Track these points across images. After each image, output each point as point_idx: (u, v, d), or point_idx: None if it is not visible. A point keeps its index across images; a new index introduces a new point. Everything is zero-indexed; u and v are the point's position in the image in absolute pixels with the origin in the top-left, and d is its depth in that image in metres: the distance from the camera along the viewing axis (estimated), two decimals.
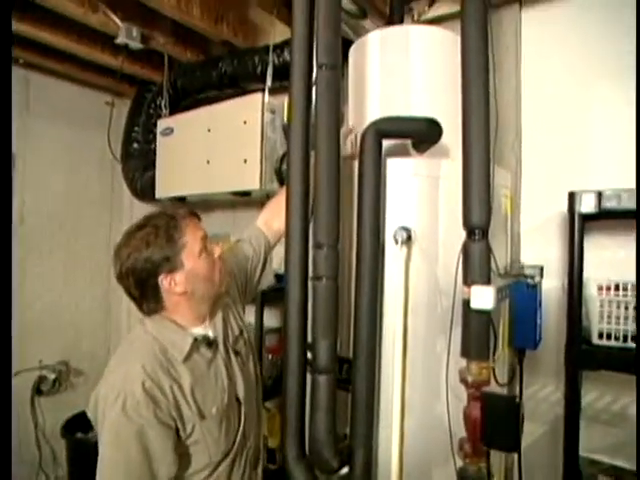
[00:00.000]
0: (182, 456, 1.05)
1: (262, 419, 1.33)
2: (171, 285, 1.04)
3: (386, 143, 1.19)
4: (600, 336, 1.35)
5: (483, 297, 0.91)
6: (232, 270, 1.32)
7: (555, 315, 1.61)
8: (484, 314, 0.95)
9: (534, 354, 1.67)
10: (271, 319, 2.22)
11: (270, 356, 2.10)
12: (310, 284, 1.12)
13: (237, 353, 1.22)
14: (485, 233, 0.98)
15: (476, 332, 0.97)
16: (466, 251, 0.98)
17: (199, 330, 1.14)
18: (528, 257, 1.72)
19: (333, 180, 1.11)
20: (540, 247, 1.71)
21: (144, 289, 1.05)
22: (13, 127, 2.60)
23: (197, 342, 1.10)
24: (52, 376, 2.75)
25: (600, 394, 1.60)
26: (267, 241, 1.44)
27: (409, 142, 1.28)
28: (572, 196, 1.33)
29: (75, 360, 2.91)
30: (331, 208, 1.11)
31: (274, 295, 1.96)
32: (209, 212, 2.65)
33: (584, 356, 1.31)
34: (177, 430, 1.03)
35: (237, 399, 1.18)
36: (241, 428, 1.18)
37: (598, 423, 1.57)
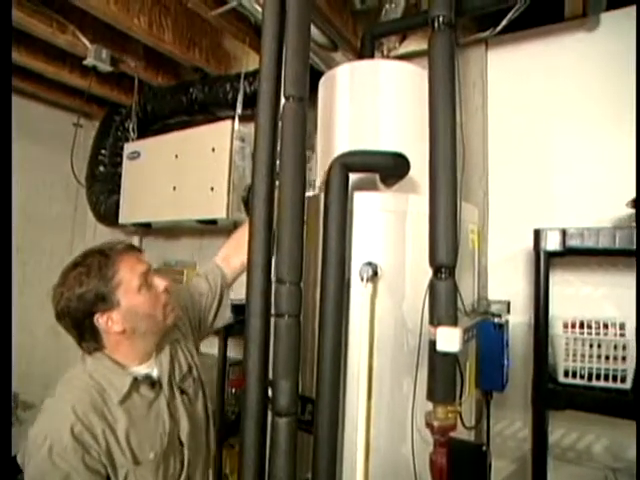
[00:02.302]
0: None
1: (211, 462, 1.25)
2: (108, 324, 1.00)
3: (354, 176, 1.18)
4: (566, 374, 1.34)
5: (449, 339, 0.88)
6: (185, 304, 1.27)
7: (522, 351, 1.60)
8: (450, 356, 0.92)
9: (501, 392, 1.66)
10: (235, 351, 2.15)
11: (234, 390, 2.01)
12: (272, 321, 1.08)
13: (183, 392, 1.15)
14: (452, 271, 0.96)
15: (442, 374, 0.94)
16: (432, 290, 0.96)
17: (141, 369, 1.08)
18: (495, 292, 1.72)
19: (297, 214, 1.08)
20: (507, 282, 1.72)
21: (81, 329, 1.01)
22: None
23: (137, 382, 1.05)
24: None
25: (566, 431, 1.59)
26: (225, 278, 1.40)
27: (377, 176, 1.27)
28: (537, 233, 1.34)
29: (25, 392, 2.73)
30: (295, 243, 1.07)
31: (238, 327, 1.89)
32: (175, 239, 2.59)
33: (550, 395, 1.29)
34: (108, 477, 0.97)
35: (180, 441, 1.11)
36: (184, 473, 1.10)
37: (565, 462, 1.55)
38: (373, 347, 1.11)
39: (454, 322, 0.93)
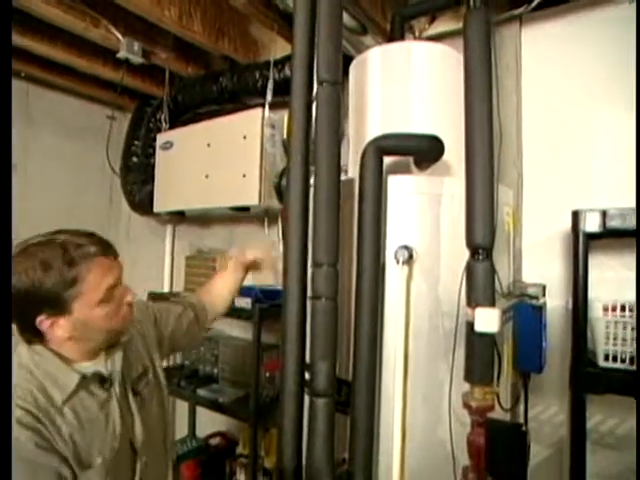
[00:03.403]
0: None
1: (168, 473, 1.17)
2: (53, 328, 0.90)
3: (387, 160, 1.17)
4: (606, 358, 1.32)
5: (488, 320, 0.88)
6: (155, 316, 1.25)
7: (558, 335, 1.58)
8: (488, 337, 0.92)
9: (538, 375, 1.64)
10: (269, 336, 2.18)
11: (267, 373, 2.05)
12: (309, 303, 1.09)
13: (137, 393, 1.07)
14: (489, 253, 0.95)
15: (480, 355, 0.94)
16: (469, 271, 0.96)
17: (90, 366, 0.97)
18: (530, 275, 1.70)
19: (333, 197, 1.09)
20: (542, 265, 1.69)
21: (20, 321, 0.91)
22: (13, 139, 2.61)
23: (85, 380, 0.95)
24: None
25: (605, 417, 1.56)
26: (203, 310, 1.40)
27: (411, 159, 1.26)
28: (576, 215, 1.31)
29: None
30: (331, 226, 1.08)
31: (272, 312, 1.93)
32: (208, 227, 2.64)
33: (590, 379, 1.27)
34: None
35: (133, 449, 1.03)
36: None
37: (603, 447, 1.52)
38: (409, 330, 1.11)
39: (492, 303, 0.93)
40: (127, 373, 1.06)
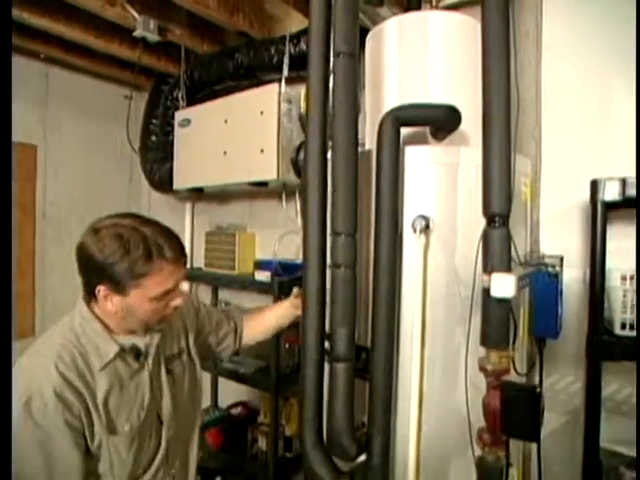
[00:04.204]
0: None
1: (192, 447, 1.22)
2: (106, 300, 0.97)
3: (404, 131, 1.18)
4: (623, 327, 1.33)
5: (504, 285, 0.90)
6: (199, 310, 1.33)
7: (576, 306, 1.58)
8: (504, 302, 0.94)
9: (554, 345, 1.65)
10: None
11: (287, 345, 2.11)
12: (328, 272, 1.13)
13: (169, 371, 1.14)
14: (505, 220, 0.97)
15: (496, 320, 0.96)
16: (486, 238, 0.97)
17: (129, 339, 1.05)
18: (548, 247, 1.70)
19: (351, 168, 1.11)
20: (560, 237, 1.68)
21: (86, 279, 0.99)
22: (32, 119, 2.67)
23: (124, 352, 1.03)
24: None
25: (620, 386, 1.58)
26: (238, 330, 1.44)
27: (427, 130, 1.26)
28: (595, 184, 1.30)
29: None
30: (349, 196, 1.11)
31: (291, 285, 1.97)
32: (226, 203, 2.68)
33: (606, 346, 1.29)
34: (85, 440, 0.96)
35: (160, 419, 1.10)
36: (161, 451, 1.09)
37: (619, 415, 1.54)
38: (426, 297, 1.14)
39: (508, 269, 0.95)
40: (162, 351, 1.12)
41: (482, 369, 1.00)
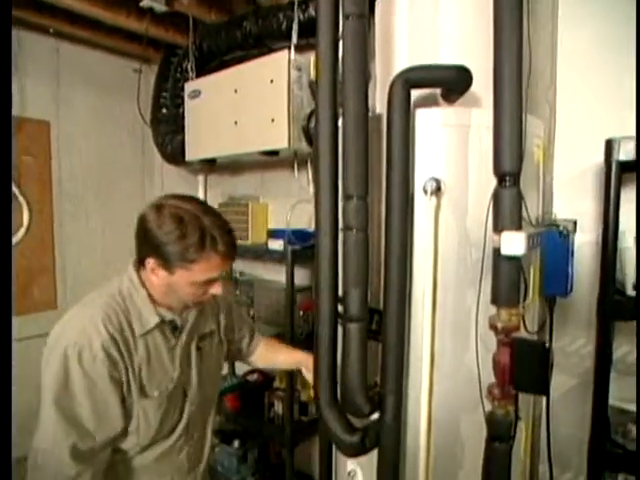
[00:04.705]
0: None
1: (210, 421, 1.30)
2: (153, 272, 1.03)
3: (415, 94, 1.17)
4: (634, 287, 1.33)
5: (514, 243, 0.91)
6: (231, 306, 1.39)
7: (588, 270, 1.58)
8: (514, 260, 0.95)
9: (566, 307, 1.67)
10: (301, 278, 2.27)
11: (301, 312, 2.15)
12: (340, 235, 1.14)
13: (199, 349, 1.19)
14: (516, 179, 0.97)
15: (506, 279, 0.97)
16: (496, 198, 0.98)
17: (168, 313, 1.12)
18: (561, 211, 1.69)
19: (361, 131, 1.11)
20: (574, 200, 1.67)
21: (139, 248, 1.04)
22: (45, 96, 2.68)
23: (163, 324, 1.10)
24: None
25: (632, 348, 1.59)
26: (249, 346, 1.47)
27: (438, 92, 1.25)
28: (609, 143, 1.29)
29: None
30: (360, 159, 1.11)
31: (304, 253, 2.00)
32: (239, 174, 2.69)
33: (617, 307, 1.30)
34: (123, 395, 1.03)
35: (185, 393, 1.16)
36: (182, 422, 1.15)
37: (629, 375, 1.56)
38: (437, 259, 1.16)
39: (519, 228, 0.95)
40: (196, 329, 1.18)
41: (492, 327, 1.02)
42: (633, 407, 1.31)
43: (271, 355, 1.49)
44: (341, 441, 1.25)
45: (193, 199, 1.05)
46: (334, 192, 1.19)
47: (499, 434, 1.06)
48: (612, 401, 1.35)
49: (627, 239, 1.36)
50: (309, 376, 1.41)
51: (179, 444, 1.17)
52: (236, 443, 2.42)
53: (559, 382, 1.71)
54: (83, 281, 2.97)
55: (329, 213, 1.17)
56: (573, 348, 1.73)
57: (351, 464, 1.42)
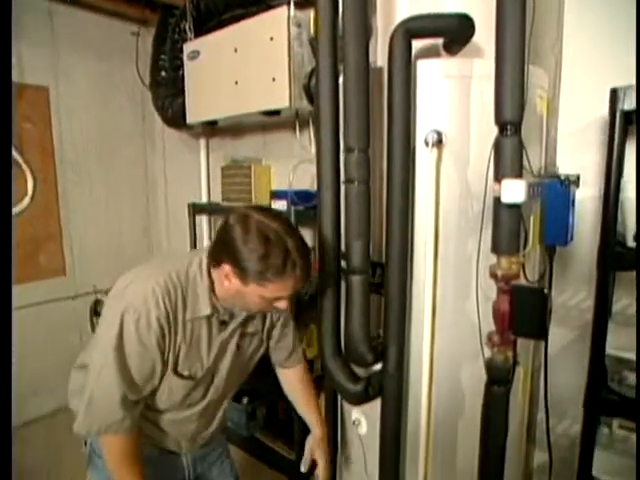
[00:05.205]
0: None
1: (222, 406, 1.33)
2: (227, 276, 1.03)
3: (416, 46, 1.16)
4: (635, 239, 1.34)
5: (514, 190, 0.92)
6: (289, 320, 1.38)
7: (589, 225, 1.59)
8: (515, 208, 0.96)
9: (566, 260, 1.69)
10: (305, 239, 2.29)
11: None
12: (342, 188, 1.15)
13: (239, 346, 1.22)
14: (517, 128, 0.97)
15: (506, 227, 0.99)
16: (497, 147, 0.98)
17: (223, 309, 1.14)
18: (564, 166, 1.68)
19: (362, 83, 1.11)
20: (577, 155, 1.66)
21: (218, 248, 1.04)
22: (42, 61, 2.65)
23: (213, 316, 1.12)
24: (106, 299, 2.98)
25: (631, 300, 1.61)
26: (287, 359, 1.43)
27: (440, 43, 1.24)
28: (614, 92, 1.27)
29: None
30: (361, 112, 1.11)
31: (307, 214, 2.01)
32: (240, 137, 2.68)
33: (617, 257, 1.31)
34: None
35: (212, 379, 1.20)
36: (202, 404, 1.21)
37: (628, 326, 1.59)
38: (439, 211, 1.17)
39: (519, 176, 0.96)
40: (241, 327, 1.20)
41: (493, 275, 1.04)
42: (630, 355, 1.34)
43: (294, 395, 1.47)
44: (345, 390, 1.31)
45: (278, 216, 1.03)
46: (335, 146, 1.19)
47: (498, 378, 1.10)
48: (609, 350, 1.38)
49: (629, 189, 1.36)
50: (310, 444, 1.42)
51: (194, 417, 1.24)
52: (245, 400, 2.50)
53: (558, 335, 1.75)
54: (89, 248, 3.01)
55: (331, 167, 1.18)
56: (573, 302, 1.76)
57: (355, 413, 1.47)
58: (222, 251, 1.01)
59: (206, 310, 1.09)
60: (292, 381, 1.45)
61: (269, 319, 1.30)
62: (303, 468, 1.41)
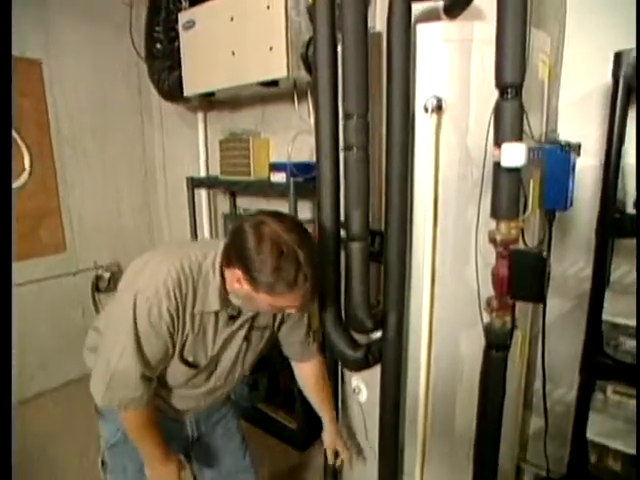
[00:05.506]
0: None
1: (234, 385, 1.36)
2: (238, 281, 1.01)
3: (416, 10, 1.14)
4: (634, 206, 1.34)
5: (514, 154, 0.91)
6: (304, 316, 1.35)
7: (590, 194, 1.58)
8: (514, 172, 0.96)
9: (565, 228, 1.69)
10: (304, 212, 2.29)
11: None
12: (341, 155, 1.15)
13: (247, 340, 1.23)
14: (518, 91, 0.95)
15: (506, 191, 0.98)
16: (498, 110, 0.97)
17: (232, 306, 1.15)
18: (565, 135, 1.67)
19: (361, 48, 1.09)
20: (579, 123, 1.65)
21: (231, 252, 1.02)
22: (34, 35, 2.59)
23: (222, 311, 1.13)
24: (107, 275, 3.00)
25: (630, 268, 1.62)
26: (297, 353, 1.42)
27: (440, 6, 1.21)
28: (618, 56, 1.25)
29: (124, 261, 3.12)
30: (360, 78, 1.10)
31: (306, 186, 2.00)
32: (238, 110, 2.65)
33: (617, 224, 1.31)
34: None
35: (216, 367, 1.22)
36: (206, 386, 1.24)
37: (625, 294, 1.60)
38: (438, 178, 1.17)
39: (519, 140, 0.95)
40: (251, 322, 1.21)
41: (492, 240, 1.04)
42: (626, 321, 1.36)
43: (309, 391, 1.47)
44: (345, 357, 1.33)
45: (293, 226, 1.00)
46: (334, 114, 1.18)
47: (496, 343, 1.11)
48: (606, 317, 1.39)
49: (630, 155, 1.35)
50: (329, 441, 1.47)
51: (200, 396, 1.27)
52: None
53: (556, 305, 1.77)
54: (89, 223, 3.01)
55: (330, 135, 1.17)
56: (571, 272, 1.77)
57: (355, 380, 1.50)
58: (234, 256, 1.00)
59: (215, 306, 1.10)
60: (306, 376, 1.44)
61: (280, 315, 1.30)
62: (331, 462, 1.47)
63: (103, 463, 1.32)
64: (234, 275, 1.01)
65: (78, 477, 2.22)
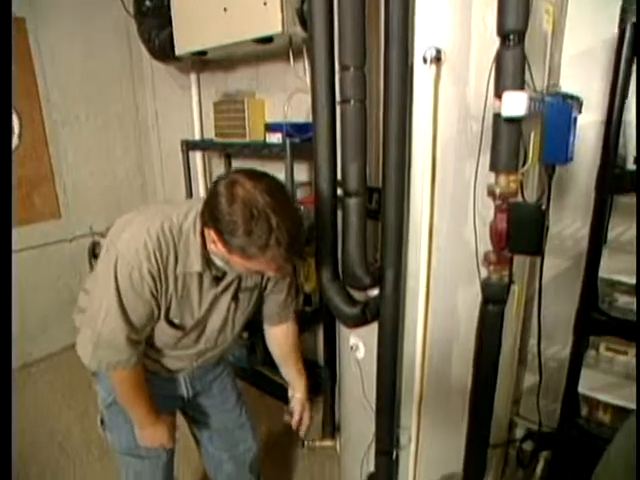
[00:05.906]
0: None
1: (224, 347, 1.36)
2: (214, 241, 0.99)
3: None
4: (635, 161, 1.33)
5: (515, 103, 0.89)
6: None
7: (591, 150, 1.57)
8: (515, 123, 0.94)
9: (564, 189, 1.68)
10: (301, 174, 2.27)
11: (302, 207, 2.18)
12: (338, 109, 1.12)
13: (236, 299, 1.22)
14: (521, 38, 0.92)
15: (506, 143, 0.97)
16: (499, 59, 0.94)
17: (215, 267, 1.13)
18: (567, 89, 1.64)
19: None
20: (582, 79, 1.61)
21: (207, 211, 0.98)
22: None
23: (205, 272, 1.12)
24: (103, 241, 2.99)
25: (627, 226, 1.62)
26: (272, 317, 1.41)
27: None
28: (625, 10, 1.21)
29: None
30: (357, 27, 1.06)
31: (302, 147, 1.97)
32: (232, 70, 2.58)
33: (616, 180, 1.30)
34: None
35: (204, 329, 1.23)
36: (196, 347, 1.25)
37: (622, 253, 1.61)
38: (437, 132, 1.14)
39: (521, 89, 0.93)
40: (237, 282, 1.20)
41: (490, 194, 1.03)
42: (622, 278, 1.37)
43: (279, 354, 1.47)
44: (343, 313, 1.33)
45: (269, 187, 0.95)
46: (331, 67, 1.15)
47: (493, 297, 1.12)
48: (602, 274, 1.40)
49: (632, 112, 1.33)
50: (298, 407, 1.47)
51: (192, 356, 1.28)
52: (245, 335, 2.57)
53: (553, 264, 1.77)
54: (83, 189, 2.98)
55: (326, 89, 1.14)
56: (569, 231, 1.78)
57: (353, 339, 1.52)
58: (208, 217, 0.98)
59: (197, 267, 1.09)
60: (279, 339, 1.44)
61: (266, 275, 1.28)
62: (294, 426, 1.48)
63: (102, 422, 1.35)
64: (210, 236, 1.00)
65: (79, 437, 2.28)
